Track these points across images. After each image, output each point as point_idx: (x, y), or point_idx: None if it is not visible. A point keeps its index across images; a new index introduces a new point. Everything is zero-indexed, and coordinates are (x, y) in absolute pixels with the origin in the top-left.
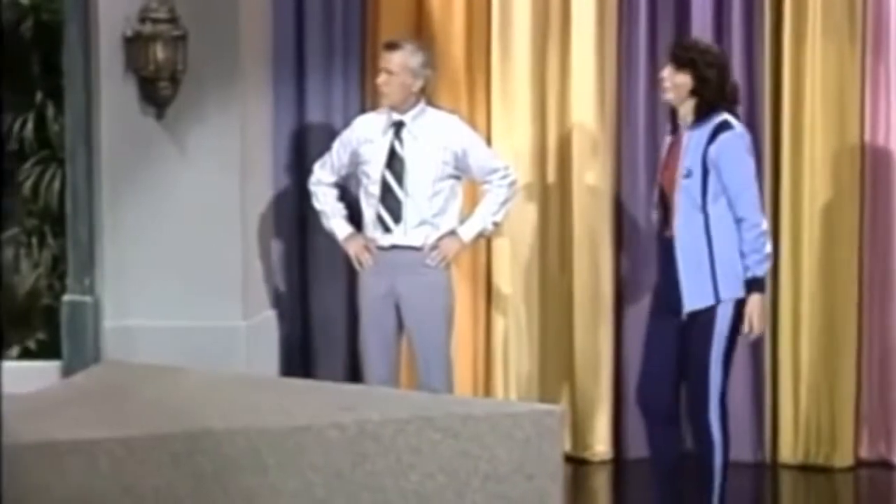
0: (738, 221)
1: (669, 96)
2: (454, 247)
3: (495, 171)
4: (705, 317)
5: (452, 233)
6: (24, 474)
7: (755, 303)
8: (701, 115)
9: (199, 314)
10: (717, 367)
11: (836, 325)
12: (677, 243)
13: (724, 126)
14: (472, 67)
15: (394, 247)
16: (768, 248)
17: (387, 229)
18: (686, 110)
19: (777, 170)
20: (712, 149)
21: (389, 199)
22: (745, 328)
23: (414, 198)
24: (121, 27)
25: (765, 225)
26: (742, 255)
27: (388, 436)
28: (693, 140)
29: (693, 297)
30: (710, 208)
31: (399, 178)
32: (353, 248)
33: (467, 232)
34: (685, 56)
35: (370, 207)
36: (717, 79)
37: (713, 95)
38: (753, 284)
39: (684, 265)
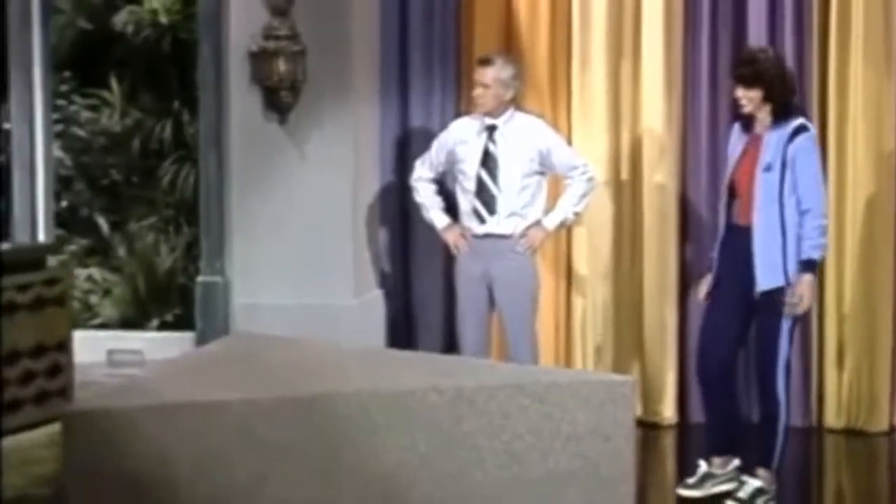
0: (804, 212)
1: (748, 110)
2: (540, 235)
3: (576, 167)
4: (776, 295)
5: (538, 223)
6: (163, 432)
7: (808, 282)
8: (778, 118)
9: (316, 293)
10: (784, 340)
11: (874, 306)
12: (754, 230)
13: (802, 128)
14: (555, 78)
15: (487, 235)
16: (825, 238)
17: (482, 220)
18: (763, 115)
19: (825, 171)
20: (791, 147)
21: (484, 194)
22: (795, 301)
23: (505, 192)
24: (247, 44)
25: (826, 219)
26: (801, 239)
27: (482, 400)
28: (773, 139)
29: (766, 279)
30: (786, 200)
31: (492, 175)
32: (451, 237)
33: (551, 221)
34: (750, 72)
35: (466, 201)
36: (780, 78)
37: (784, 94)
38: (808, 266)
39: (759, 250)
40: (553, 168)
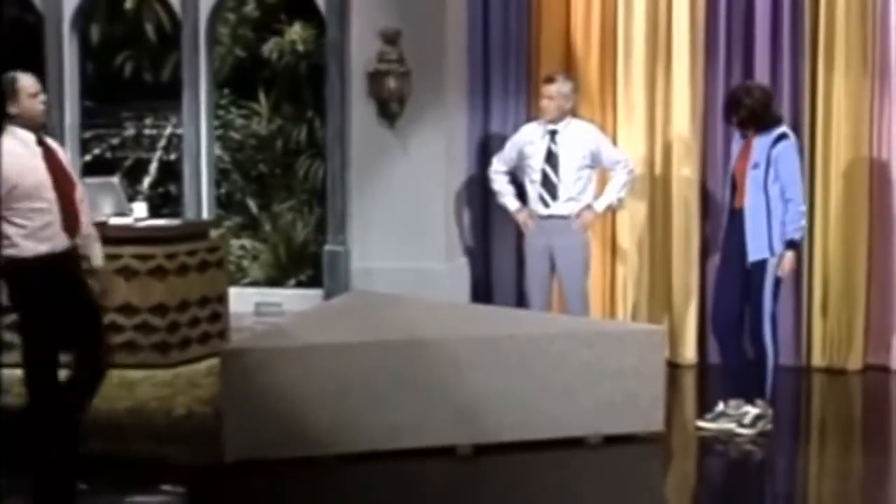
0: (787, 201)
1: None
2: (590, 216)
3: (618, 161)
4: (763, 265)
5: (589, 206)
6: (297, 367)
7: (789, 257)
8: (763, 129)
9: (415, 259)
10: (769, 298)
11: (852, 269)
12: (746, 213)
13: (784, 136)
14: (603, 92)
15: (550, 216)
16: (804, 222)
17: (546, 204)
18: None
19: (813, 163)
20: (774, 151)
21: (547, 184)
22: (779, 272)
23: (564, 182)
24: (365, 66)
25: (804, 207)
26: (784, 223)
27: (545, 344)
28: (760, 144)
29: (755, 251)
30: (770, 190)
31: (554, 169)
32: (521, 218)
33: (600, 205)
34: (738, 119)
35: (533, 189)
36: (763, 109)
37: (766, 118)
38: (790, 244)
39: (750, 228)
40: (601, 163)
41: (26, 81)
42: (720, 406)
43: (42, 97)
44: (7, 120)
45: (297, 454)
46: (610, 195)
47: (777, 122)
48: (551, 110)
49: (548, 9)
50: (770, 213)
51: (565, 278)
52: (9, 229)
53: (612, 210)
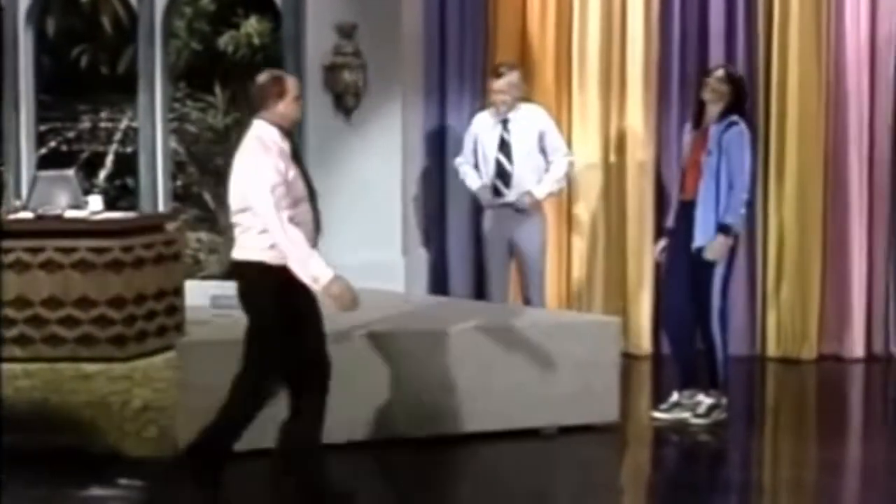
0: (731, 188)
1: (709, 97)
2: (529, 201)
3: (559, 149)
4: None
5: (528, 192)
6: None
7: (720, 241)
8: (721, 117)
9: (373, 251)
10: (718, 288)
11: (806, 258)
12: (698, 202)
13: (734, 124)
14: (559, 84)
15: (504, 205)
16: (743, 210)
17: (499, 193)
18: (713, 112)
19: (767, 155)
20: (724, 138)
21: (502, 172)
22: (708, 255)
23: (518, 170)
24: (321, 59)
25: (746, 195)
26: (724, 208)
27: (501, 336)
28: (714, 131)
29: (701, 237)
30: (721, 178)
31: (508, 157)
32: (484, 195)
33: (539, 192)
34: (726, 72)
35: (487, 178)
36: (741, 85)
37: (738, 97)
38: (723, 229)
39: (699, 215)
40: (545, 147)
41: None
42: (675, 396)
43: None
44: None
45: (253, 446)
46: (549, 183)
47: (734, 111)
48: (502, 104)
49: (504, 1)
50: (719, 202)
51: (525, 264)
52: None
53: (559, 197)
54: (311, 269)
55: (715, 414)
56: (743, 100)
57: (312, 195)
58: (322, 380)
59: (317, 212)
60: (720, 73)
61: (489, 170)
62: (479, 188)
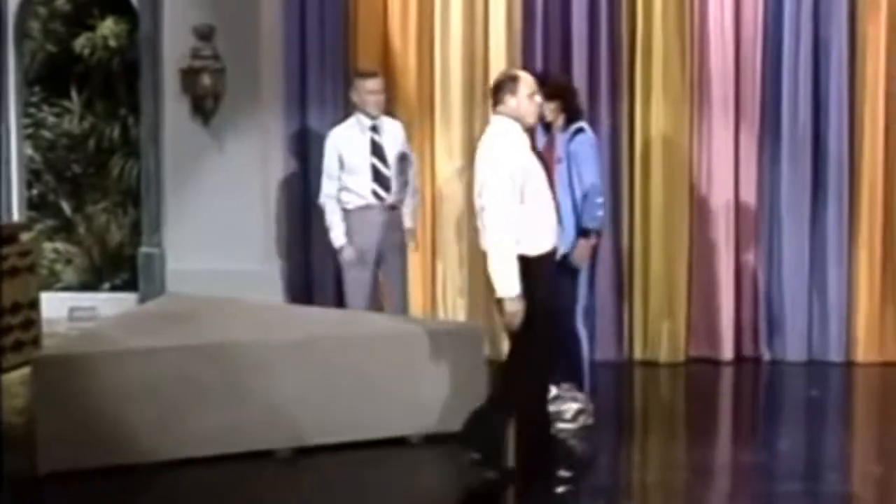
0: (585, 194)
1: (550, 118)
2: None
3: (412, 165)
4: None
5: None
6: (112, 372)
7: (582, 245)
8: (567, 123)
9: (232, 261)
10: (582, 292)
11: (673, 262)
12: (560, 209)
13: (580, 131)
14: (421, 92)
15: (385, 208)
16: (601, 213)
17: (380, 198)
18: (560, 121)
19: (632, 164)
20: (571, 145)
21: (379, 176)
22: (574, 261)
23: (393, 171)
24: (178, 62)
25: (601, 199)
26: (581, 213)
27: (364, 344)
28: (562, 139)
29: (566, 243)
30: (575, 185)
31: (383, 161)
32: (347, 255)
33: (414, 223)
34: (547, 91)
35: (363, 185)
36: (570, 95)
37: (572, 107)
38: (584, 233)
39: (563, 223)
40: (404, 167)
41: None
42: (553, 390)
43: None
44: None
45: (114, 462)
46: (412, 220)
47: (579, 117)
48: (378, 104)
49: (365, 4)
50: (576, 207)
51: (390, 275)
52: None
53: (427, 210)
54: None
55: (582, 419)
56: (572, 104)
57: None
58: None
59: None
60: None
61: (363, 178)
62: (341, 246)
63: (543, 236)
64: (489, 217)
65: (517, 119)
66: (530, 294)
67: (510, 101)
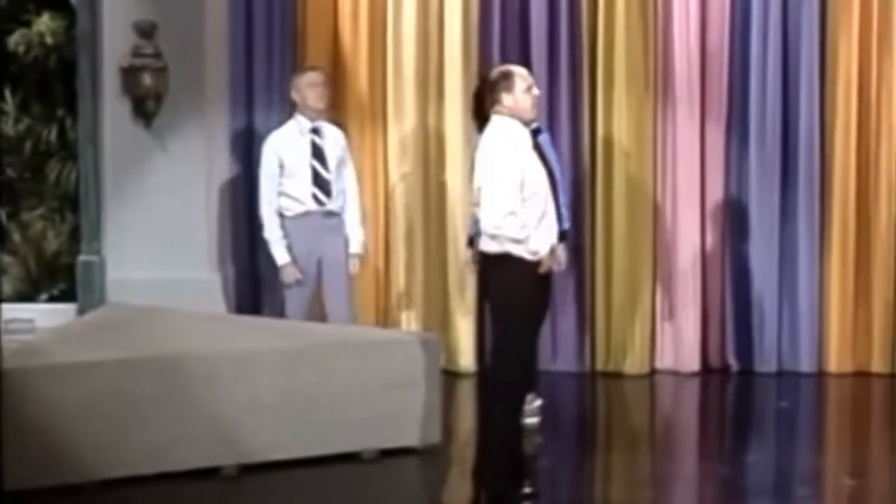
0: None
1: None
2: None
3: (354, 188)
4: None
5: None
6: (50, 387)
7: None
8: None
9: (176, 269)
10: None
11: (636, 273)
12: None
13: (538, 132)
14: (373, 92)
15: (324, 214)
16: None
17: (320, 203)
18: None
19: (594, 175)
20: None
21: (319, 180)
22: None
23: (333, 175)
24: (118, 61)
25: (564, 198)
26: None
27: (314, 356)
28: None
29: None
30: None
31: (323, 164)
32: (288, 273)
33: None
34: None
35: (303, 189)
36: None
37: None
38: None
39: None
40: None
41: None
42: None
43: None
44: None
45: (55, 482)
46: (359, 235)
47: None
48: (320, 97)
49: (314, 1)
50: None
51: (333, 279)
52: None
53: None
54: None
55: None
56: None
57: None
58: None
59: None
60: None
61: (303, 182)
62: (283, 264)
63: (543, 236)
64: (488, 223)
65: (516, 116)
66: (518, 293)
67: (507, 100)
